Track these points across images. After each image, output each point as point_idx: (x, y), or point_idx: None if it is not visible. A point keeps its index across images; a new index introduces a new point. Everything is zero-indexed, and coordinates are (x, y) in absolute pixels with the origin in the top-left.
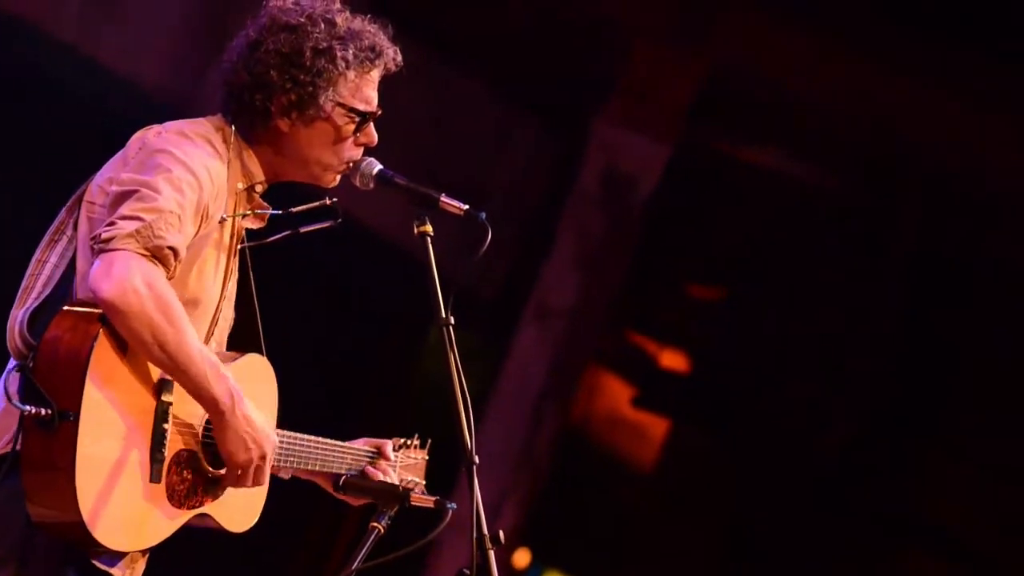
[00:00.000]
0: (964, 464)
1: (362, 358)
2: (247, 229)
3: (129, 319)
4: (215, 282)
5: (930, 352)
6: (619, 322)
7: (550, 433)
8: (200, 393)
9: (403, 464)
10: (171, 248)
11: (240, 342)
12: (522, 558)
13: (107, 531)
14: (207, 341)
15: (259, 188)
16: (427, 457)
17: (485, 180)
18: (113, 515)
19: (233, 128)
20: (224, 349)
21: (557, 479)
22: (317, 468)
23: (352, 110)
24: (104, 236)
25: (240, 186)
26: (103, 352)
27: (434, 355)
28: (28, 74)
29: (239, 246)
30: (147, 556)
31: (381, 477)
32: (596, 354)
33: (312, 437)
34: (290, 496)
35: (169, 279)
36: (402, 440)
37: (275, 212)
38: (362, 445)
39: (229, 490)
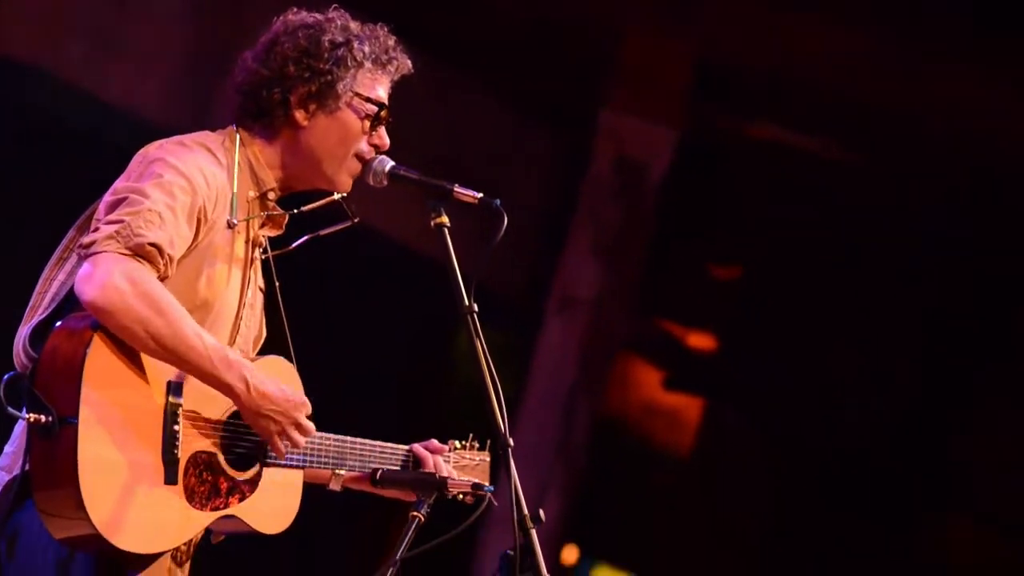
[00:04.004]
0: (997, 436)
1: (396, 366)
2: (269, 238)
3: (116, 317)
4: (230, 288)
5: (963, 322)
6: (644, 308)
7: (584, 424)
8: (211, 382)
9: (459, 465)
10: (153, 244)
11: (271, 354)
12: (570, 554)
13: (122, 533)
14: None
15: (272, 196)
16: (487, 458)
17: (499, 181)
18: (127, 517)
19: (242, 133)
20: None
21: (596, 470)
22: (357, 468)
23: (369, 100)
24: (86, 241)
25: (252, 194)
26: (100, 356)
27: (467, 361)
28: (34, 115)
29: (261, 256)
30: (187, 566)
31: (432, 470)
32: (624, 342)
33: (351, 438)
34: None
35: (163, 279)
36: (457, 443)
37: (286, 212)
38: (408, 446)
39: (259, 492)
